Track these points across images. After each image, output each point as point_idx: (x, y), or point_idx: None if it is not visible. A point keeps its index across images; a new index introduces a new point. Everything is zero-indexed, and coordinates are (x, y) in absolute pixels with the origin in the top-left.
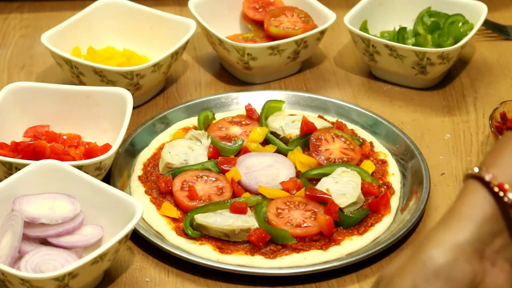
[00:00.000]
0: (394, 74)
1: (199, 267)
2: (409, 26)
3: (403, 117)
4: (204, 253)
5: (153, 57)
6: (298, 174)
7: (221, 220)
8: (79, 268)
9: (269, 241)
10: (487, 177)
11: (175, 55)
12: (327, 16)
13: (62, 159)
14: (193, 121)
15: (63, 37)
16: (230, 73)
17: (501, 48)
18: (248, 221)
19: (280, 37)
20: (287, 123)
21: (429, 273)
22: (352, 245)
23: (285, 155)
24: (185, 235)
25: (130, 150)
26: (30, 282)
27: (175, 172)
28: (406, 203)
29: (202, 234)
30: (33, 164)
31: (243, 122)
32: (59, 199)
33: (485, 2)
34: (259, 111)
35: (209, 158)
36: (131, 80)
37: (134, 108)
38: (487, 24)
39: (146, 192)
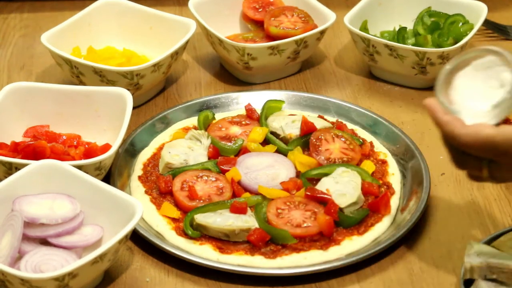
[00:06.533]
0: (394, 74)
1: (199, 267)
2: (409, 26)
3: (403, 117)
4: (204, 253)
5: (153, 57)
6: (298, 174)
7: (221, 220)
8: (79, 268)
9: (269, 241)
10: None
11: (175, 55)
12: (327, 16)
13: (62, 159)
14: (193, 121)
15: (63, 37)
16: (230, 73)
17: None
18: (248, 221)
19: (280, 37)
20: (287, 123)
21: None
22: (352, 245)
23: (285, 155)
24: (185, 235)
25: (130, 150)
26: (30, 282)
27: (175, 172)
28: (406, 203)
29: (202, 234)
30: (33, 164)
31: (243, 122)
32: (59, 199)
33: (485, 2)
34: (259, 111)
35: (209, 158)
36: (131, 80)
37: (134, 108)
38: (487, 24)
39: (146, 192)
